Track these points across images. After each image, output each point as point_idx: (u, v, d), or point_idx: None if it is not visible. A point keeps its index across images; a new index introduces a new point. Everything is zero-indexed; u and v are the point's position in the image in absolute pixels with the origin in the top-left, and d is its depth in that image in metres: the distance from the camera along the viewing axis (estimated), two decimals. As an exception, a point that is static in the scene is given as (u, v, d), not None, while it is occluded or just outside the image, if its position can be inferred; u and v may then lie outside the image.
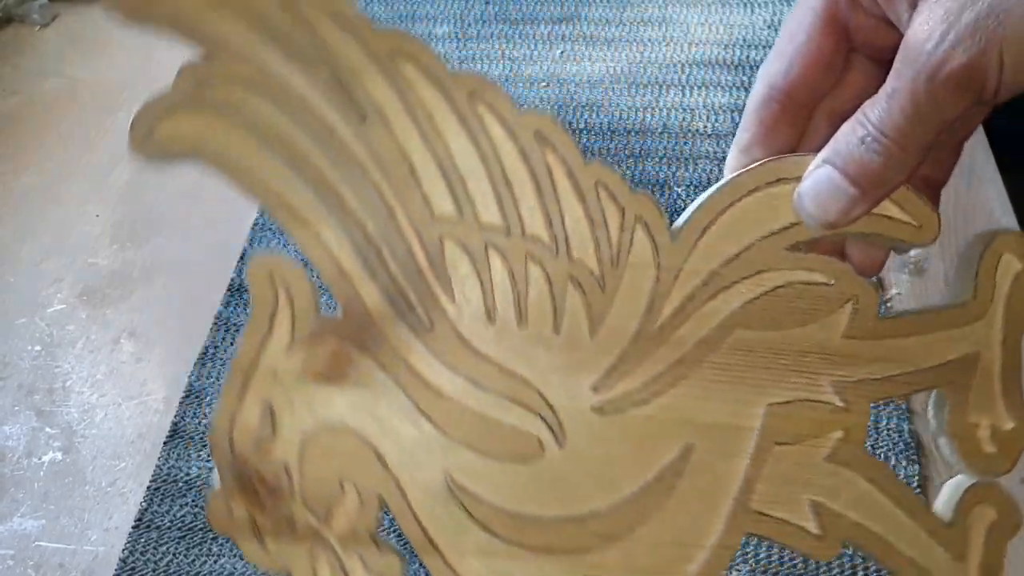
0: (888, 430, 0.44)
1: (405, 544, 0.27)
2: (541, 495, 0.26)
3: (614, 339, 0.26)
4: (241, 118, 0.25)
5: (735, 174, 0.27)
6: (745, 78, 0.63)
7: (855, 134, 0.25)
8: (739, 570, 0.40)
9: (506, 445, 0.26)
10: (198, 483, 0.45)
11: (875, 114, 0.25)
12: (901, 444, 0.44)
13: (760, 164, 0.27)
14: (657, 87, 0.63)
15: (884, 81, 0.25)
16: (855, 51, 0.29)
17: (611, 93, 0.63)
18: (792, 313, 0.27)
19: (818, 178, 0.26)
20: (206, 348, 0.50)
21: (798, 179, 0.26)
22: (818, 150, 0.26)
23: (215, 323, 0.51)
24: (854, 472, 0.27)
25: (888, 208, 0.26)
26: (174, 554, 0.42)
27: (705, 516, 0.27)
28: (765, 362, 0.27)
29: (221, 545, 0.43)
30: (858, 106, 0.25)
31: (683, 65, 0.64)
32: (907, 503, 0.27)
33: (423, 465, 0.26)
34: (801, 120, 0.29)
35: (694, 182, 0.57)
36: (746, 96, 0.64)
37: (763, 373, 0.27)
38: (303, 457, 0.26)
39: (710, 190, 0.27)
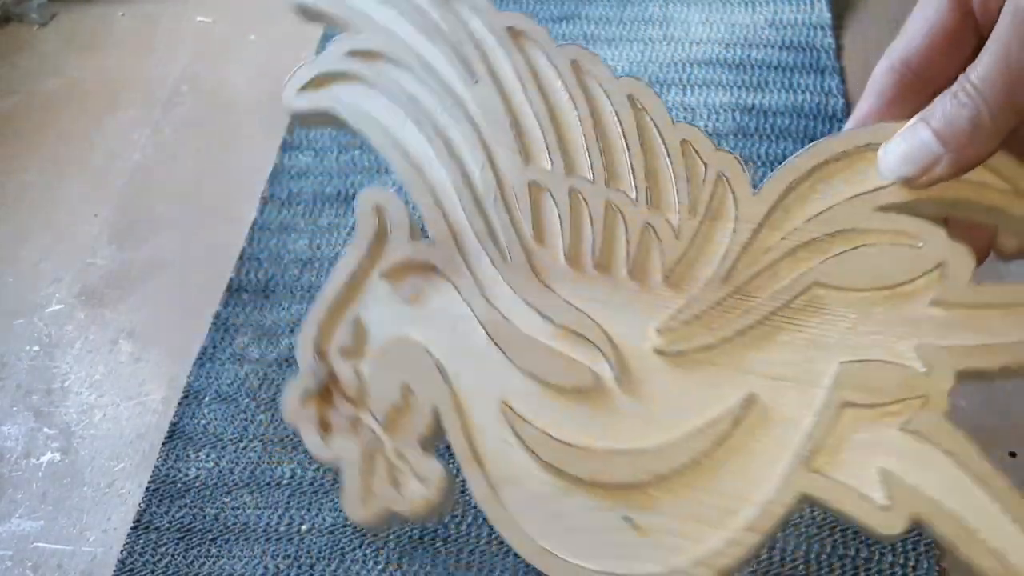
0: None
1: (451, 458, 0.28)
2: (595, 428, 0.27)
3: (684, 284, 0.27)
4: (377, 79, 0.31)
5: (825, 138, 0.27)
6: (746, 77, 0.63)
7: (952, 92, 0.25)
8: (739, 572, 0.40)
9: (567, 377, 0.27)
10: (197, 484, 0.44)
11: (974, 71, 0.24)
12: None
13: (851, 130, 0.27)
14: (658, 86, 0.62)
15: None
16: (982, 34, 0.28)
17: (611, 92, 0.62)
18: (874, 272, 0.26)
19: (907, 134, 0.26)
20: (205, 348, 0.50)
21: None
22: None
23: (214, 323, 0.51)
24: (932, 443, 0.24)
25: (981, 174, 0.26)
26: (173, 555, 0.42)
27: (759, 470, 0.25)
28: (841, 320, 0.26)
29: (220, 547, 0.42)
30: None
31: (684, 64, 0.64)
32: (992, 485, 0.24)
33: (483, 386, 0.28)
34: (922, 96, 0.28)
35: (695, 181, 0.57)
36: (747, 95, 0.64)
37: (837, 331, 0.26)
38: (377, 366, 0.28)
39: (800, 151, 0.27)
